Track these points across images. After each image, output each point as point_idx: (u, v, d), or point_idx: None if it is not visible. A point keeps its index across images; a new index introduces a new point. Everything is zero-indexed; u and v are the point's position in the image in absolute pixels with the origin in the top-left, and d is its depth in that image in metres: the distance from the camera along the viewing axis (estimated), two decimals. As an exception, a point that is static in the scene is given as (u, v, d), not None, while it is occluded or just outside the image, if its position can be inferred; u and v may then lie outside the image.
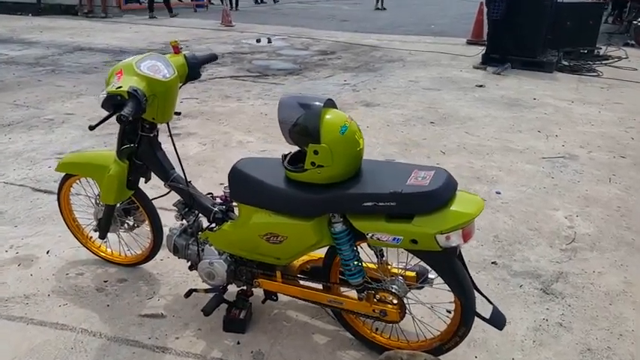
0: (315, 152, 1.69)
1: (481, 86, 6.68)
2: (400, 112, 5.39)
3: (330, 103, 1.79)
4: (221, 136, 4.52)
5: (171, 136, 2.12)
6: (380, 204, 1.63)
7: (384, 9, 17.74)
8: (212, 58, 2.32)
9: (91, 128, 1.80)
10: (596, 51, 9.06)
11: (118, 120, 1.70)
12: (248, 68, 7.60)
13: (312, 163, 1.71)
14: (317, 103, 1.75)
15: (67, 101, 5.55)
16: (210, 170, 3.78)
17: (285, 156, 1.89)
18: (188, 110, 5.28)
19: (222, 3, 14.55)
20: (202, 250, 2.11)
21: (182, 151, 4.12)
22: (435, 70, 7.68)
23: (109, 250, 2.57)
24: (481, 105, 5.77)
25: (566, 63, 8.20)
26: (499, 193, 3.53)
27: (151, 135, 2.10)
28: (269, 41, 10.01)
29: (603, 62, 8.56)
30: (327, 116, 1.72)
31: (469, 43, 10.11)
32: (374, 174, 1.77)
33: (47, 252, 2.67)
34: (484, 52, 8.13)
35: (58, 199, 2.49)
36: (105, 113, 1.87)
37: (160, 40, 9.98)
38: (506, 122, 5.14)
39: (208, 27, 12.45)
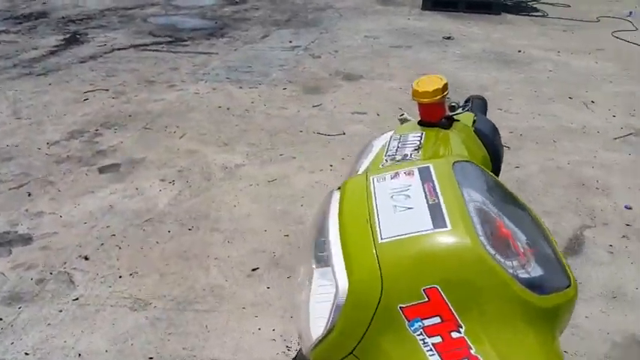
0: None
1: (449, 38, 5.65)
2: (398, 86, 4.16)
3: None
4: (190, 161, 2.91)
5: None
6: None
7: None
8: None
9: None
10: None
11: None
12: (150, 31, 5.63)
13: None
14: None
15: None
16: (217, 241, 2.25)
17: None
18: (106, 112, 3.48)
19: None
20: None
21: (142, 204, 2.50)
22: (381, 20, 6.46)
23: None
24: (475, 65, 4.76)
25: (506, 2, 7.50)
26: (630, 208, 2.60)
27: None
28: None
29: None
30: None
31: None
32: None
33: None
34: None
35: None
36: None
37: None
38: (526, 88, 4.21)
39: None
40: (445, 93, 0.74)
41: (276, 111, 3.61)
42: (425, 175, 0.54)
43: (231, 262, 2.11)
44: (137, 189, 2.61)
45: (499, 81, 4.36)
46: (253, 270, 2.08)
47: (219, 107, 3.64)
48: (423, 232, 0.47)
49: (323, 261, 0.56)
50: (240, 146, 3.07)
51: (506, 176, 2.84)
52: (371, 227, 0.50)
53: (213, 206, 2.49)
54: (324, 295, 0.55)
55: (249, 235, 2.28)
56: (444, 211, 0.48)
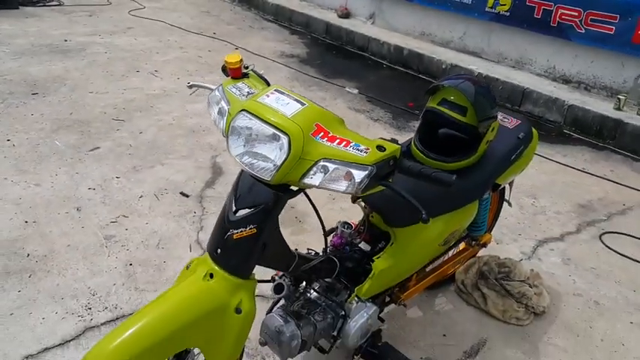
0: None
1: (-17, 38, 5.29)
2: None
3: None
4: None
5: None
6: None
7: None
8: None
9: None
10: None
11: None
12: None
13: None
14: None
15: None
16: None
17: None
18: None
19: None
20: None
21: None
22: None
23: None
24: (37, 59, 4.79)
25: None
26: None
27: None
28: None
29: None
30: None
31: None
32: None
33: None
34: None
35: None
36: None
37: None
38: (97, 71, 4.68)
39: None
40: (242, 61, 1.35)
41: None
42: (281, 92, 1.19)
43: None
44: None
45: (70, 69, 4.63)
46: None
47: None
48: (301, 108, 1.14)
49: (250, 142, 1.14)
50: None
51: (138, 142, 3.42)
52: (279, 112, 1.12)
53: None
54: (258, 153, 1.13)
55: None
56: (299, 99, 1.17)
